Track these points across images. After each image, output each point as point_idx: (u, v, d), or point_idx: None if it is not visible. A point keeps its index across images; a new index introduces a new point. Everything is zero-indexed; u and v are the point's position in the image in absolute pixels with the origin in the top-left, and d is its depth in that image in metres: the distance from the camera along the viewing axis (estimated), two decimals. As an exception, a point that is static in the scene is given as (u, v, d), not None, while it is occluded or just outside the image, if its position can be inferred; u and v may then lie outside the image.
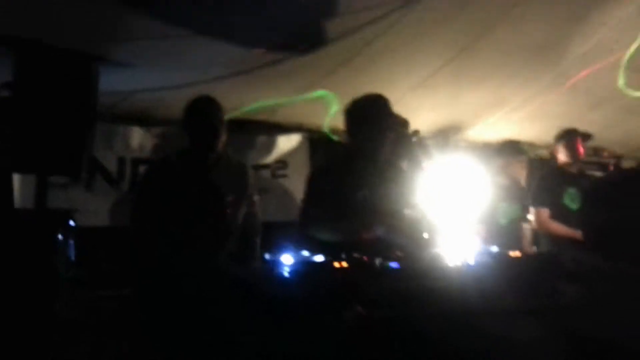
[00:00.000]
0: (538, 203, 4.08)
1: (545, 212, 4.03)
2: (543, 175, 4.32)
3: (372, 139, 2.71)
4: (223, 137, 2.85)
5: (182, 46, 2.76)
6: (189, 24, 2.58)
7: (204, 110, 2.81)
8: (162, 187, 2.82)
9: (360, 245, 2.39)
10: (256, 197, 3.09)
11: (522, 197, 4.24)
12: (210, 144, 2.81)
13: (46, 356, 2.09)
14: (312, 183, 2.86)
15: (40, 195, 2.55)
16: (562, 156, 4.19)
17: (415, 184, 2.91)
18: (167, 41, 2.68)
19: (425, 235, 2.71)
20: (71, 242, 2.77)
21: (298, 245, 2.32)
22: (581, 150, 4.19)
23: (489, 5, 3.12)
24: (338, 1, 2.58)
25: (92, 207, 3.80)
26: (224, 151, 2.94)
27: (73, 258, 2.86)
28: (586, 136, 4.23)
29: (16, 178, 3.33)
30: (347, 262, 2.05)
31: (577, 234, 3.76)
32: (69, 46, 2.59)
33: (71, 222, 2.81)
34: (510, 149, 4.29)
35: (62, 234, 2.28)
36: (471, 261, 2.22)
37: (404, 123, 3.57)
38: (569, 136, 4.18)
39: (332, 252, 2.16)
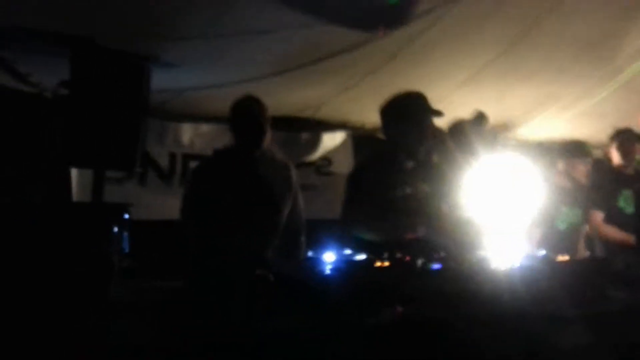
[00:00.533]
0: (592, 206, 3.94)
1: (599, 215, 3.89)
2: (597, 176, 4.15)
3: (411, 136, 2.69)
4: (268, 135, 2.91)
5: (227, 45, 2.83)
6: (236, 23, 2.64)
7: (248, 109, 2.89)
8: (211, 183, 2.91)
9: (402, 245, 2.38)
10: (300, 195, 3.14)
11: (584, 201, 4.08)
12: (255, 141, 2.88)
13: (98, 338, 2.20)
14: (352, 181, 2.85)
15: (97, 188, 2.69)
16: (616, 157, 4.03)
17: (459, 183, 2.86)
18: (214, 41, 2.76)
19: (470, 237, 2.67)
20: (125, 234, 2.89)
21: (341, 243, 2.34)
22: (637, 151, 4.02)
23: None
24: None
25: (145, 201, 3.95)
26: (268, 149, 3.00)
27: (127, 249, 3.00)
28: None
29: (74, 173, 3.52)
30: (389, 262, 2.06)
31: (630, 238, 3.62)
32: (122, 47, 2.70)
33: (126, 215, 2.95)
34: (575, 149, 4.07)
35: (117, 226, 2.40)
36: (517, 264, 2.19)
37: (480, 118, 3.53)
38: (623, 136, 4.00)
39: (374, 251, 2.17)
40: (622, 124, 4.25)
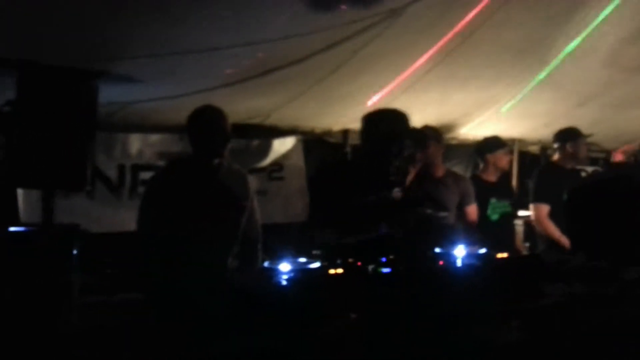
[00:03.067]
0: (538, 199, 4.09)
1: (545, 208, 4.04)
2: (542, 170, 4.34)
3: (379, 149, 2.84)
4: (229, 144, 2.93)
5: (176, 62, 2.85)
6: (184, 41, 2.67)
7: (210, 118, 2.88)
8: (168, 193, 2.88)
9: (358, 247, 2.46)
10: (256, 203, 3.18)
11: (512, 194, 4.32)
12: (217, 149, 2.88)
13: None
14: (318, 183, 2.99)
15: (47, 210, 2.64)
16: (563, 154, 4.20)
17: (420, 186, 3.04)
18: (162, 58, 2.77)
19: (429, 236, 2.80)
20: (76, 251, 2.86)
21: (299, 247, 2.42)
22: (585, 150, 4.26)
23: (471, 12, 3.22)
24: (323, 16, 2.68)
25: (94, 214, 3.90)
26: (224, 158, 3.02)
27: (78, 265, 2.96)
28: (588, 135, 4.30)
29: (20, 192, 3.43)
30: (342, 268, 2.15)
31: (565, 240, 3.86)
32: (68, 64, 2.67)
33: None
34: (496, 143, 4.28)
35: (75, 248, 2.38)
36: (459, 263, 2.33)
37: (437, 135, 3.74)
38: (574, 136, 4.18)
39: (333, 253, 2.25)
40: (556, 122, 4.54)
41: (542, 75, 4.20)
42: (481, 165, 4.28)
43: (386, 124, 2.88)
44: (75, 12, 2.29)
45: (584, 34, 3.81)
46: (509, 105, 4.49)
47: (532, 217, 4.19)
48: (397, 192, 2.83)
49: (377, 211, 2.73)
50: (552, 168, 4.30)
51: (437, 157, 3.76)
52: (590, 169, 5.29)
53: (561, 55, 3.99)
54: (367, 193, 2.76)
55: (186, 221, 2.82)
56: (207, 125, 2.86)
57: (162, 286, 2.75)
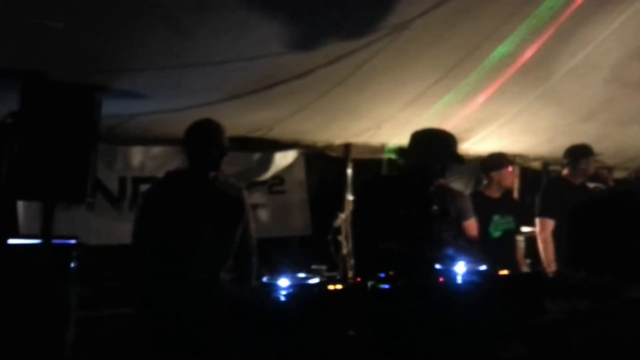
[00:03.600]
0: (544, 214, 4.08)
1: (551, 223, 4.03)
2: (550, 185, 4.31)
3: (422, 166, 2.90)
4: (225, 158, 2.94)
5: (182, 75, 2.86)
6: (191, 54, 2.69)
7: (208, 132, 2.89)
8: (163, 206, 2.88)
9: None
10: (251, 217, 3.17)
11: (515, 210, 4.28)
12: (214, 163, 2.89)
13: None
14: (361, 197, 3.05)
15: (47, 222, 2.64)
16: (574, 171, 4.18)
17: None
18: (168, 72, 2.79)
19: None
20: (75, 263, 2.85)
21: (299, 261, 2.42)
22: (593, 167, 4.25)
23: (475, 27, 3.23)
24: (327, 32, 2.69)
25: (94, 226, 3.90)
26: (220, 172, 3.03)
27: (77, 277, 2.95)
28: (598, 154, 4.28)
29: (20, 203, 3.43)
30: (341, 285, 2.14)
31: (553, 268, 3.83)
32: (72, 76, 2.69)
33: (73, 241, 2.92)
34: (501, 160, 4.23)
35: (73, 261, 2.37)
36: (460, 280, 2.31)
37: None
38: (588, 154, 4.18)
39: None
40: (558, 138, 4.53)
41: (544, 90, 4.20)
42: (485, 182, 4.23)
43: (431, 144, 2.93)
44: (79, 25, 2.31)
45: (588, 50, 3.82)
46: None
47: (538, 232, 4.16)
48: (435, 209, 2.86)
49: (417, 224, 2.78)
50: (561, 183, 4.26)
51: None
52: (592, 185, 5.26)
53: (564, 71, 4.00)
54: (409, 206, 2.81)
55: (180, 233, 2.83)
56: (203, 138, 2.87)
57: (155, 298, 2.74)
